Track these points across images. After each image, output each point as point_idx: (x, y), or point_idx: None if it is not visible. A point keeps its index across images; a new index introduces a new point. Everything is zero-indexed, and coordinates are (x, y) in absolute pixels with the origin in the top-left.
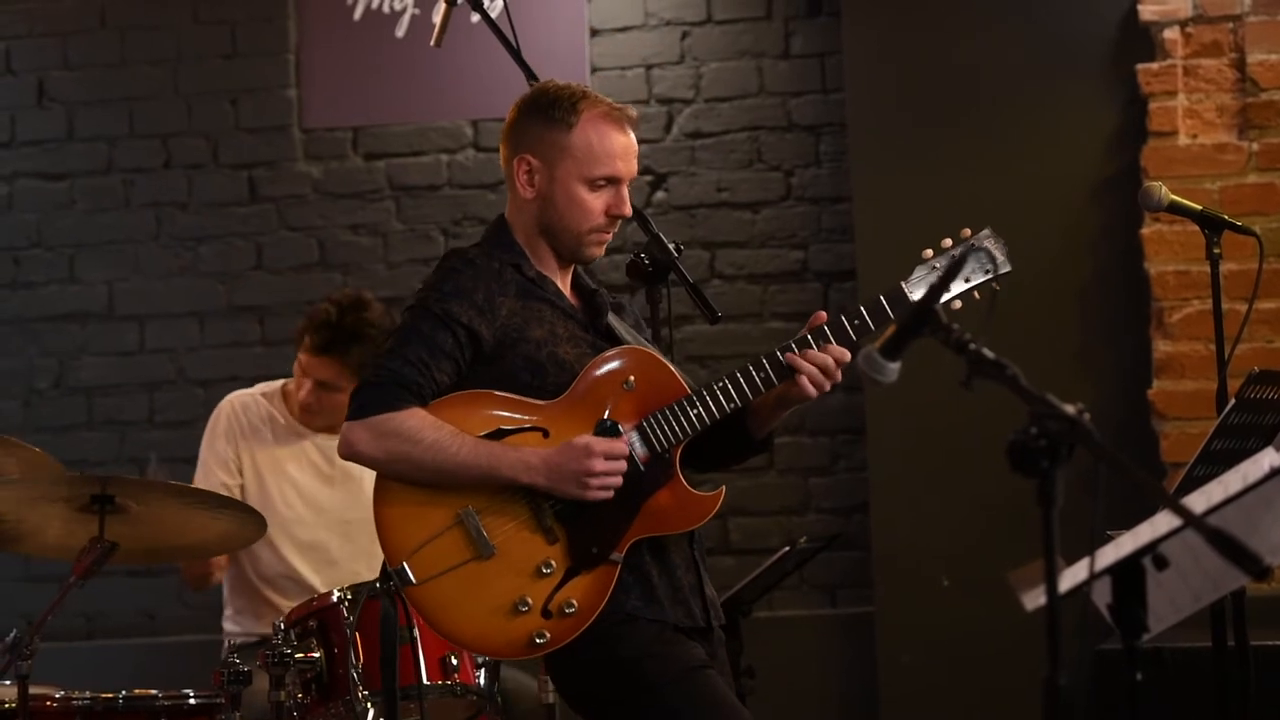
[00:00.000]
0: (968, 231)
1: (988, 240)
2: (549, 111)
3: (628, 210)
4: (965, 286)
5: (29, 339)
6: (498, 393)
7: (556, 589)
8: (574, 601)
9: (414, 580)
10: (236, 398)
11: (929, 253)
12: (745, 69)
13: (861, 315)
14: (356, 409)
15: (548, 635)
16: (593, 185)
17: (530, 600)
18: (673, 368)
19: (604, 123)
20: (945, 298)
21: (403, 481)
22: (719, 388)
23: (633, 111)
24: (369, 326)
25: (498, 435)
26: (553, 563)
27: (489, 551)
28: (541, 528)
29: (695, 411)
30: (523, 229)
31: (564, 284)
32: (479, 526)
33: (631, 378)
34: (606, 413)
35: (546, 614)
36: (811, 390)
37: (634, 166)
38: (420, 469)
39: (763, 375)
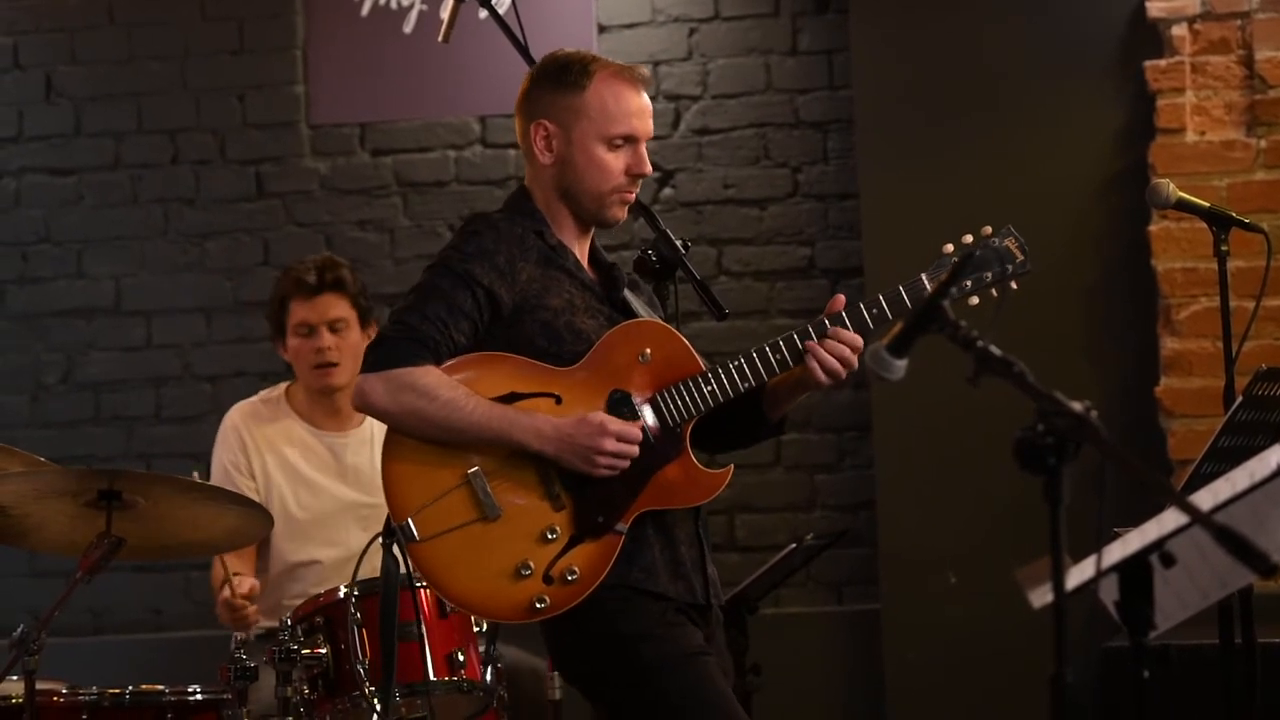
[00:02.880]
0: (989, 229)
1: (1009, 239)
2: (561, 75)
3: (648, 169)
4: (984, 284)
5: (36, 334)
6: (514, 356)
7: (559, 555)
8: (576, 569)
9: (417, 537)
10: (240, 409)
11: (949, 247)
12: (753, 65)
13: (880, 305)
14: (372, 361)
15: (548, 600)
16: (611, 144)
17: (533, 565)
18: (688, 344)
19: (617, 82)
20: (963, 293)
21: (413, 437)
22: (734, 366)
23: (645, 71)
24: (345, 268)
25: (511, 398)
26: (557, 529)
27: (495, 513)
28: (548, 494)
29: (710, 388)
30: (543, 196)
31: (582, 255)
32: (486, 488)
33: (648, 350)
34: (620, 383)
35: (548, 579)
36: (821, 376)
37: (650, 126)
38: (433, 426)
39: (779, 356)
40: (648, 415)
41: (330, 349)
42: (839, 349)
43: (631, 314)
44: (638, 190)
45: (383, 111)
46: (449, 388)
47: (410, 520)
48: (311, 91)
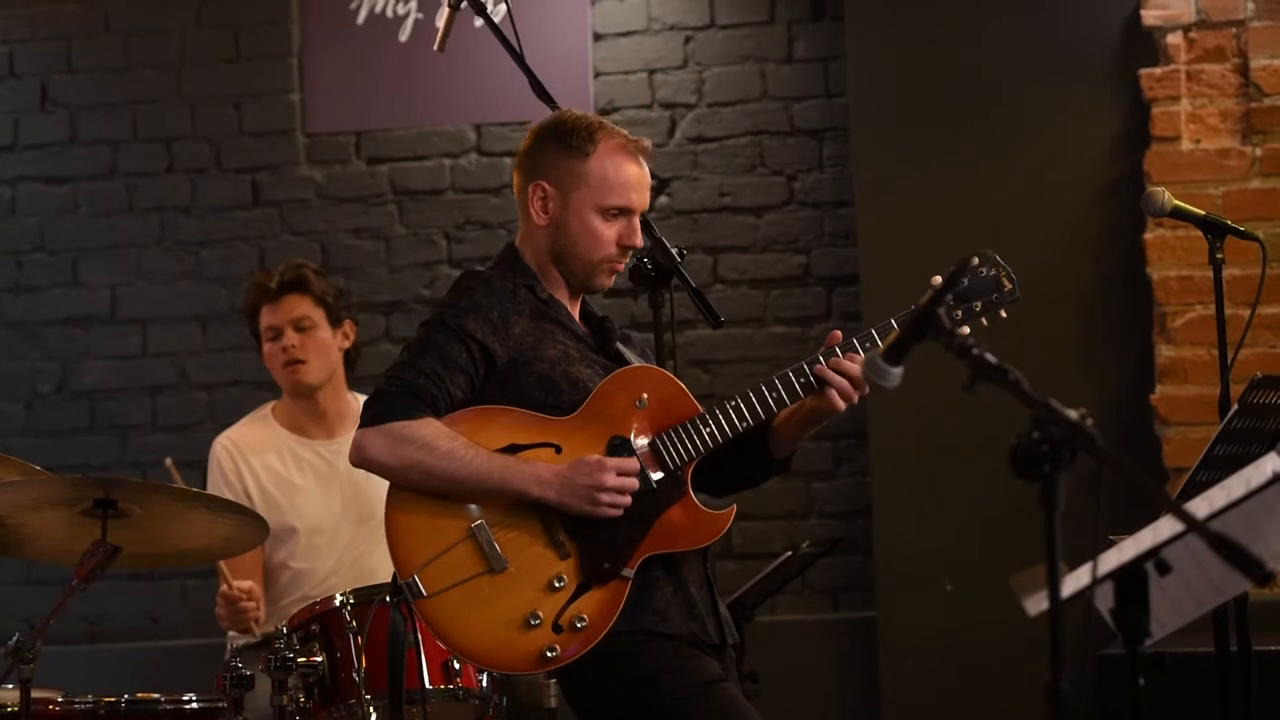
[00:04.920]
0: (975, 259)
1: (996, 268)
2: (566, 140)
3: (639, 241)
4: (974, 313)
5: (32, 343)
6: (511, 408)
7: (568, 603)
8: (585, 616)
9: (425, 593)
10: (225, 437)
11: (938, 279)
12: (748, 73)
13: (872, 337)
14: (370, 416)
15: (559, 649)
16: (606, 215)
17: (542, 614)
18: (684, 387)
19: (620, 154)
20: (954, 322)
21: (414, 490)
22: (732, 406)
23: (647, 143)
24: (311, 265)
25: (511, 450)
26: (564, 577)
27: (501, 565)
28: (553, 542)
29: (708, 430)
30: (534, 255)
31: (574, 310)
32: (491, 540)
33: (645, 395)
34: (619, 429)
35: (557, 629)
36: (839, 403)
37: (646, 199)
38: (432, 478)
39: (775, 395)
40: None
41: (295, 347)
42: (850, 368)
43: (625, 364)
44: (627, 260)
45: (378, 120)
46: (448, 439)
47: (416, 576)
48: (307, 100)
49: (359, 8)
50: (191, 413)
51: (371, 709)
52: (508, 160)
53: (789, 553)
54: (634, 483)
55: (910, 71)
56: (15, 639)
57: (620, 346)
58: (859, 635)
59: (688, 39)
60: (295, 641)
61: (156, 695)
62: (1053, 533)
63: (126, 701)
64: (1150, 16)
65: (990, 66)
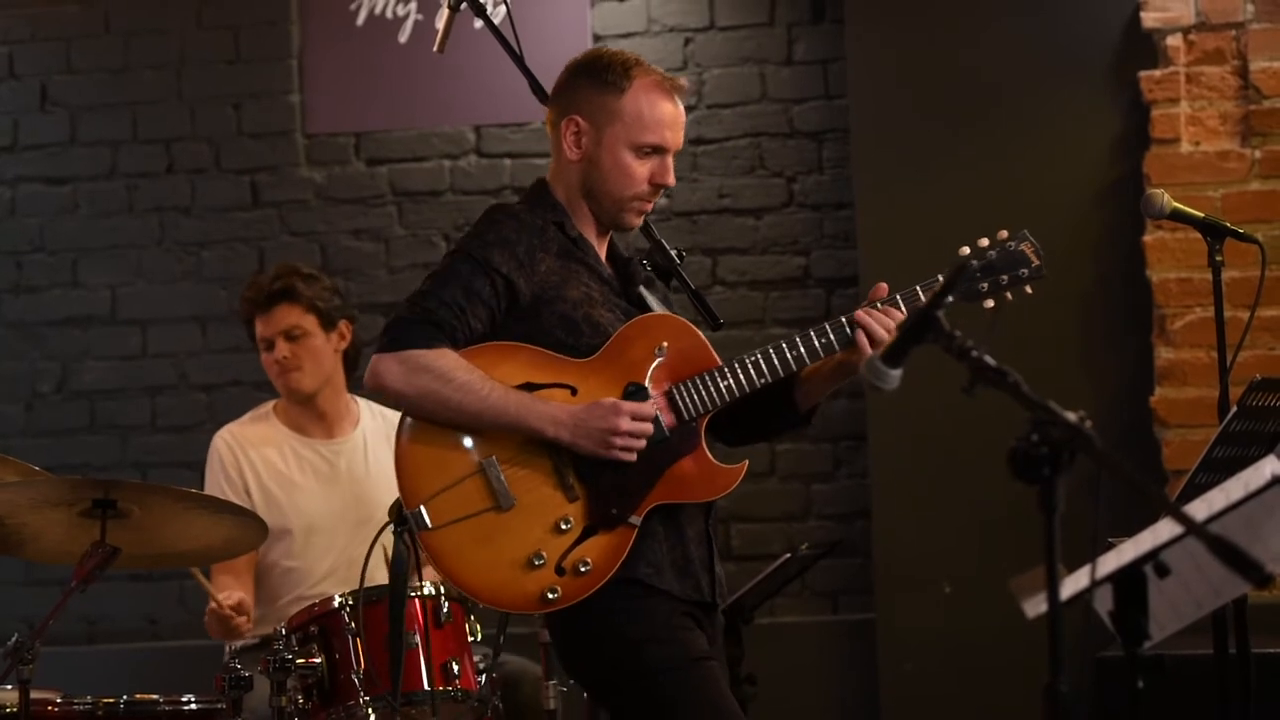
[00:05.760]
0: (1005, 233)
1: (1025, 243)
2: (602, 75)
3: (671, 180)
4: (1000, 286)
5: (31, 343)
6: (529, 346)
7: (573, 546)
8: (589, 560)
9: (430, 524)
10: (226, 431)
11: (965, 250)
12: (748, 75)
13: (916, 294)
14: (387, 341)
15: (560, 591)
16: (639, 152)
17: (546, 555)
18: (705, 339)
19: (655, 91)
20: (979, 295)
21: (426, 420)
22: (751, 362)
23: (683, 82)
24: (303, 268)
25: (527, 388)
26: (571, 520)
27: (509, 503)
28: (562, 484)
29: (725, 383)
30: (564, 190)
31: (601, 250)
32: (500, 477)
33: (664, 344)
34: (636, 376)
35: (560, 571)
36: (869, 349)
37: (680, 138)
38: (447, 408)
39: (795, 353)
40: (663, 408)
41: (287, 357)
42: (889, 323)
43: (647, 309)
44: (657, 199)
45: (378, 121)
46: (465, 370)
47: (423, 507)
48: (307, 101)
49: (359, 9)
50: (191, 413)
51: (370, 710)
52: (508, 161)
53: (788, 555)
54: (648, 427)
55: (910, 73)
56: (14, 639)
57: (643, 290)
58: (858, 637)
59: (687, 41)
60: (294, 643)
61: (155, 696)
62: (1052, 535)
63: (125, 702)
64: (1150, 19)
65: (990, 68)
